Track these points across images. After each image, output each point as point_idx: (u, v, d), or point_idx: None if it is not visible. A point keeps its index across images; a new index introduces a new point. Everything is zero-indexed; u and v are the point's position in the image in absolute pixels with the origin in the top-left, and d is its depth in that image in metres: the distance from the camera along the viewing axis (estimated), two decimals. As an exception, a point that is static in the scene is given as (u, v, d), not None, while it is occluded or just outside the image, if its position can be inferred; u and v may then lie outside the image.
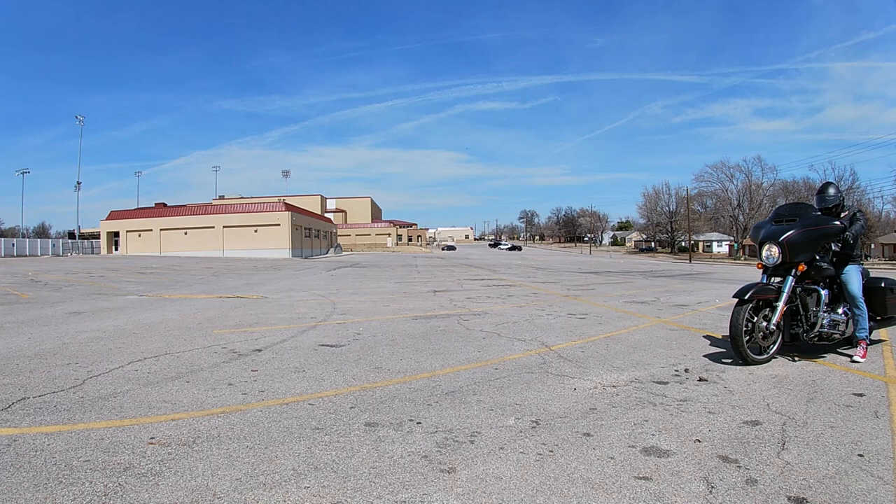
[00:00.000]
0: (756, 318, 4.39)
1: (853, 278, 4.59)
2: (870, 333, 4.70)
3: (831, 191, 4.74)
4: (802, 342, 4.60)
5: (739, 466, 2.40)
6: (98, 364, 4.34)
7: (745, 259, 57.76)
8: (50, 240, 59.21)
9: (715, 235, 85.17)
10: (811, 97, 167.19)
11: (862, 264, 4.81)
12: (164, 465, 2.38)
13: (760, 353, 4.43)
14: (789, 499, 2.11)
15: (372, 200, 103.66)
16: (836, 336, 4.62)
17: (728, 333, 4.54)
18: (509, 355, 4.79)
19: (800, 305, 4.51)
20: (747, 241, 64.48)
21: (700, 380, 3.92)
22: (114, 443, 2.64)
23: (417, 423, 2.98)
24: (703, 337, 5.83)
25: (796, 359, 4.61)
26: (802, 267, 4.42)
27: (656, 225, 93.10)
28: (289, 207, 49.14)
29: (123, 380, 3.85)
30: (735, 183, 75.44)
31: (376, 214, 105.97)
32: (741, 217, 73.06)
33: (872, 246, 58.99)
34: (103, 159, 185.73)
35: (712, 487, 2.20)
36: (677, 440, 2.72)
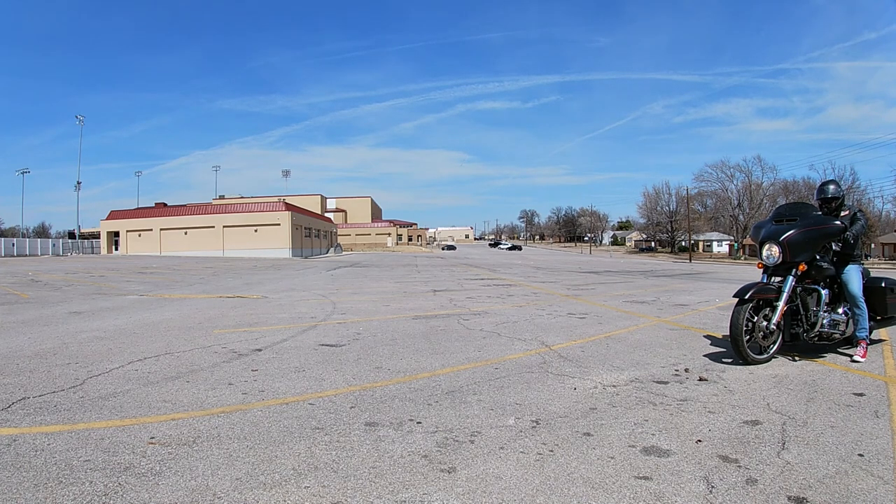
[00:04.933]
0: (756, 318, 4.39)
1: (853, 278, 4.59)
2: (870, 333, 4.69)
3: (831, 186, 4.79)
4: (802, 342, 4.60)
5: (739, 466, 2.40)
6: (98, 364, 4.34)
7: (746, 259, 57.74)
8: (50, 240, 59.21)
9: (715, 235, 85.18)
10: (813, 97, 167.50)
11: (862, 264, 4.81)
12: (164, 464, 2.38)
13: (760, 353, 4.43)
14: (789, 498, 2.11)
15: (372, 200, 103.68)
16: (837, 336, 4.62)
17: (728, 333, 4.54)
18: (509, 355, 4.79)
19: (800, 305, 4.51)
20: (747, 241, 64.49)
21: (700, 379, 3.92)
22: (114, 443, 2.64)
23: (417, 422, 2.98)
24: (704, 336, 5.83)
25: (796, 358, 4.61)
26: (803, 267, 4.41)
27: (656, 224, 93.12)
28: (289, 207, 49.14)
29: (123, 379, 3.85)
30: (735, 183, 75.59)
31: (376, 214, 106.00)
32: (741, 217, 73.07)
33: (872, 246, 58.97)
34: (103, 159, 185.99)
35: (712, 487, 2.20)
36: (677, 440, 2.72)
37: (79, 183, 57.24)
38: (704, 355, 4.80)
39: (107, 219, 50.95)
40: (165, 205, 58.47)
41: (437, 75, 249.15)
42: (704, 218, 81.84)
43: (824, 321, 4.51)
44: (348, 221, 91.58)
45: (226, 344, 5.25)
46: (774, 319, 4.37)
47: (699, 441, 2.70)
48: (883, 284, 4.93)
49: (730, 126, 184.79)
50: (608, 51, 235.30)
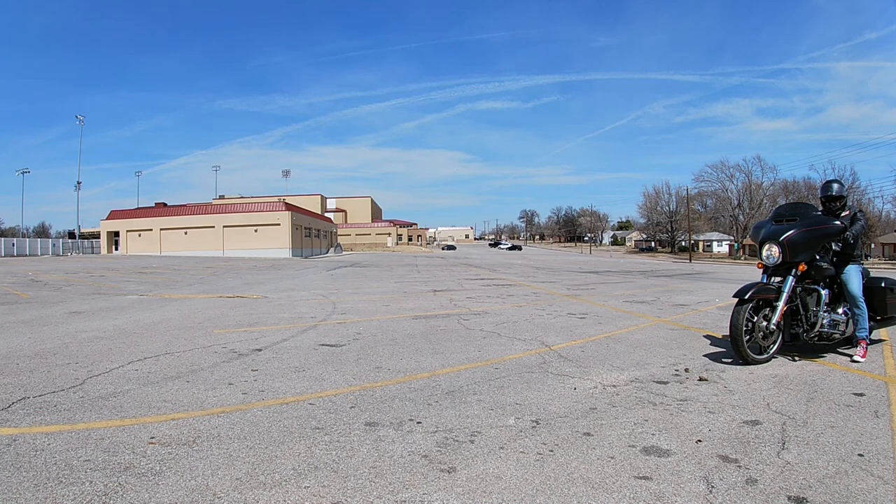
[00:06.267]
0: (756, 318, 4.39)
1: (853, 278, 4.59)
2: (870, 333, 4.69)
3: (836, 185, 4.83)
4: (802, 342, 4.60)
5: (739, 466, 2.40)
6: (98, 364, 4.34)
7: (746, 259, 57.75)
8: (50, 239, 59.18)
9: (715, 235, 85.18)
10: (813, 97, 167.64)
11: (862, 264, 4.81)
12: (164, 464, 2.38)
13: (760, 353, 4.43)
14: (789, 498, 2.11)
15: (372, 200, 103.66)
16: (836, 336, 4.62)
17: (728, 333, 4.54)
18: (509, 355, 4.79)
19: (800, 305, 4.51)
20: (747, 241, 64.49)
21: (700, 379, 3.92)
22: (114, 442, 2.64)
23: (417, 422, 2.98)
24: (704, 336, 5.83)
25: (796, 358, 4.61)
26: (803, 267, 4.41)
27: (656, 224, 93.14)
28: (289, 207, 49.14)
29: (123, 379, 3.85)
30: (735, 183, 75.67)
31: (376, 214, 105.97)
32: (741, 217, 73.11)
33: (872, 246, 58.98)
34: (103, 159, 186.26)
35: (712, 487, 2.20)
36: (677, 440, 2.72)
37: (79, 183, 57.16)
38: (704, 355, 4.80)
39: (107, 219, 50.94)
40: (165, 205, 58.44)
41: (438, 75, 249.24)
42: (704, 218, 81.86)
43: (824, 321, 4.51)
44: (348, 221, 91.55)
45: (226, 344, 5.25)
46: (774, 319, 4.37)
47: (699, 441, 2.70)
48: (883, 284, 4.93)
49: (730, 126, 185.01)
50: (609, 50, 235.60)
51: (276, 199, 61.28)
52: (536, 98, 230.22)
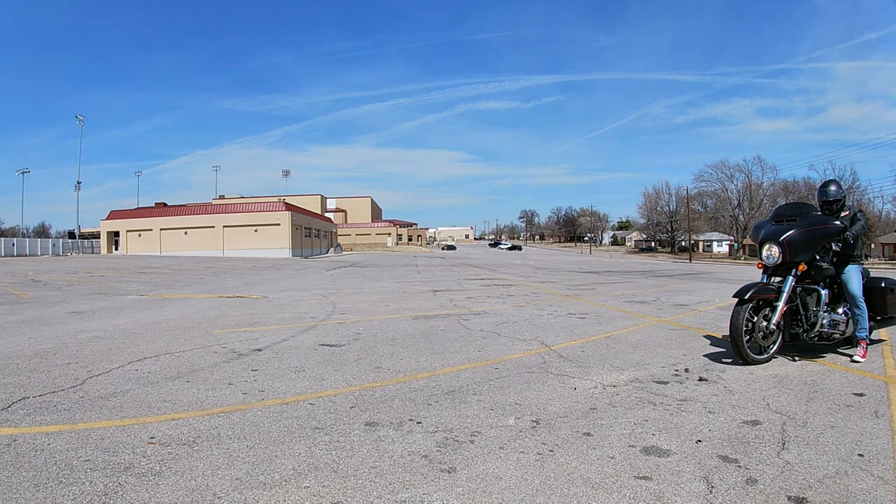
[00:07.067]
0: (756, 318, 4.39)
1: (853, 278, 4.59)
2: (870, 333, 4.69)
3: (832, 187, 4.79)
4: (802, 342, 4.60)
5: (739, 466, 2.40)
6: (98, 364, 4.34)
7: (746, 259, 57.75)
8: (50, 239, 59.18)
9: (715, 235, 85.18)
10: (814, 97, 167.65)
11: (862, 264, 4.81)
12: (164, 464, 2.38)
13: (760, 353, 4.43)
14: (789, 498, 2.11)
15: (372, 200, 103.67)
16: (836, 336, 4.62)
17: (728, 333, 4.54)
18: (509, 355, 4.79)
19: (800, 305, 4.51)
20: (747, 241, 64.48)
21: (700, 379, 3.92)
22: (114, 442, 2.64)
23: (417, 422, 2.98)
24: (704, 337, 5.83)
25: (796, 359, 4.61)
26: (803, 267, 4.42)
27: (656, 224, 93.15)
28: (289, 207, 49.15)
29: (123, 379, 3.85)
30: (735, 183, 75.71)
31: (376, 214, 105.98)
32: (741, 217, 73.14)
33: (872, 246, 58.98)
34: (103, 159, 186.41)
35: (712, 487, 2.20)
36: (677, 440, 2.72)
37: (79, 183, 57.11)
38: (704, 355, 4.80)
39: (107, 219, 50.94)
40: (165, 205, 58.45)
41: (438, 75, 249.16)
42: (704, 218, 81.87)
43: (824, 321, 4.51)
44: (348, 221, 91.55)
45: (226, 344, 5.25)
46: (774, 319, 4.37)
47: (699, 441, 2.70)
48: (883, 284, 4.93)
49: (730, 126, 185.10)
50: (609, 51, 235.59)
51: (276, 199, 61.30)
52: (536, 98, 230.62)
